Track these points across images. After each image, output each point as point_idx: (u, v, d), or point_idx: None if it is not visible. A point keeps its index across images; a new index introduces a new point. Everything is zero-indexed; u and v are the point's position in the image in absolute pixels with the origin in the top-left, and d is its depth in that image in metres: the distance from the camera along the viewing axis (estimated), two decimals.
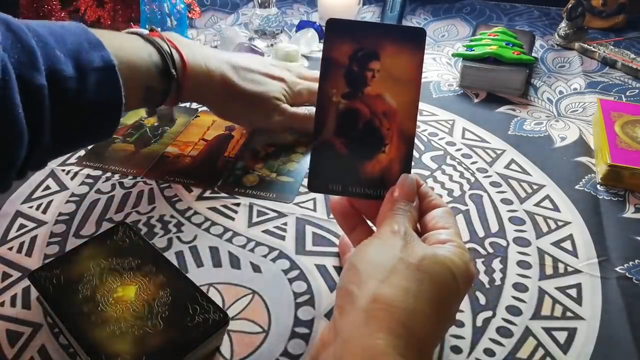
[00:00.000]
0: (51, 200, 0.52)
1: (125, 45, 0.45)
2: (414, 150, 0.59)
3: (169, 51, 0.48)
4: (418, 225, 0.36)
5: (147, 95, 0.48)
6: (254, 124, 0.60)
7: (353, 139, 0.38)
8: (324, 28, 0.88)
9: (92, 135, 0.45)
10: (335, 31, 0.38)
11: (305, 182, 0.54)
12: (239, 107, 0.55)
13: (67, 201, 0.52)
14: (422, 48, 0.38)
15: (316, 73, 0.46)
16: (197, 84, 0.51)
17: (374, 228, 0.38)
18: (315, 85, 0.42)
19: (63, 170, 0.57)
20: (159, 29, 0.83)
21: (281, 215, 0.50)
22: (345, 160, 0.38)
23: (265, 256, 0.46)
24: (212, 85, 0.52)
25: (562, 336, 0.39)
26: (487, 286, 0.43)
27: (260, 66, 0.57)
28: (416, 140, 0.61)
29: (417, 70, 0.38)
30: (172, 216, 0.50)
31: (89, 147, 0.60)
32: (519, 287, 0.43)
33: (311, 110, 0.59)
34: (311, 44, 0.83)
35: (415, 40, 0.38)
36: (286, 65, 0.63)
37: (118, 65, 0.41)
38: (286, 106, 0.57)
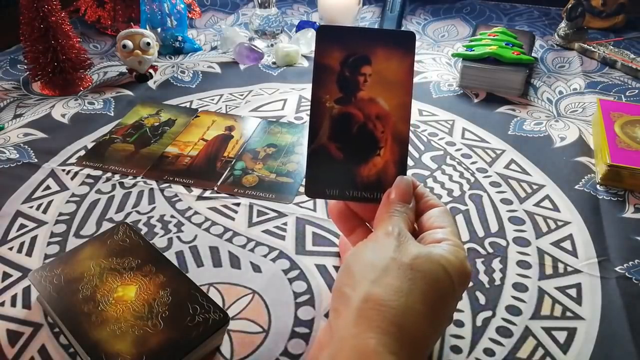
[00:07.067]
0: (51, 200, 0.52)
1: None
2: (414, 151, 0.59)
3: None
4: (415, 226, 0.36)
5: None
6: None
7: (348, 143, 0.38)
8: None
9: None
10: (325, 38, 0.38)
11: (304, 182, 0.54)
12: None
13: (68, 201, 0.52)
14: (412, 51, 0.38)
15: None
16: None
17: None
18: None
19: (63, 170, 0.57)
20: (159, 29, 0.83)
21: (281, 215, 0.50)
22: (341, 164, 0.38)
23: (265, 256, 0.46)
24: None
25: (561, 336, 0.39)
26: (487, 286, 0.43)
27: None
28: (416, 140, 0.61)
29: (408, 73, 0.38)
30: (172, 216, 0.50)
31: (90, 147, 0.60)
32: (519, 287, 0.43)
33: None
34: (311, 44, 0.83)
35: (405, 43, 0.38)
36: None
37: None
38: None
